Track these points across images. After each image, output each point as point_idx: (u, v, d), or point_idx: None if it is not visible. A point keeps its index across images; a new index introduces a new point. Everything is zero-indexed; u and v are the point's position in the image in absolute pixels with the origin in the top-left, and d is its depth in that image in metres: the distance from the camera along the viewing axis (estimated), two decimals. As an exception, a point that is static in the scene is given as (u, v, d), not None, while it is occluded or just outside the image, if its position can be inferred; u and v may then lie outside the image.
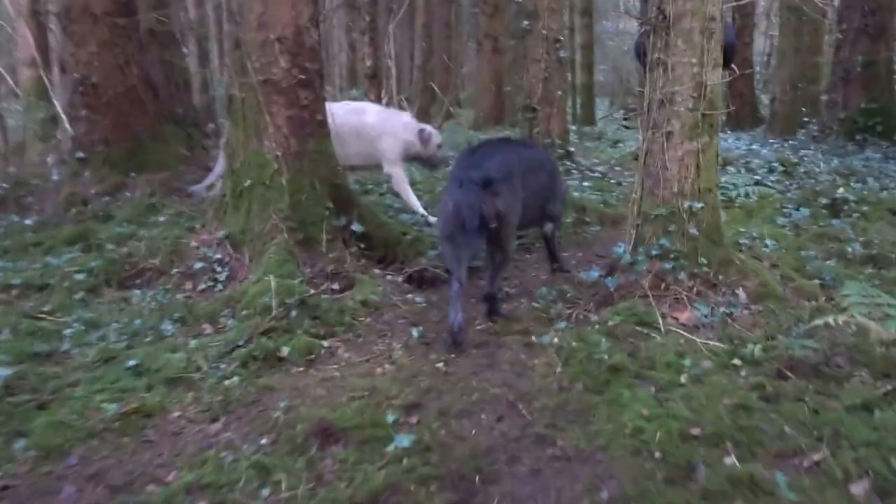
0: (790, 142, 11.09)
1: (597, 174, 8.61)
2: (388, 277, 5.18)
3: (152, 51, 8.64)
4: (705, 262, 4.42)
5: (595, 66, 22.10)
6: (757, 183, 7.79)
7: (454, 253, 4.35)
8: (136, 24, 7.91)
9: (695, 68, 4.32)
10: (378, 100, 15.86)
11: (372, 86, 15.75)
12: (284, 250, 4.82)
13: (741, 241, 5.40)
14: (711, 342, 3.89)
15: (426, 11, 22.15)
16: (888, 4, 10.88)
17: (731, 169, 8.41)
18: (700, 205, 4.41)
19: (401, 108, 22.95)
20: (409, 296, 4.95)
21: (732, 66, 8.45)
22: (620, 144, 13.09)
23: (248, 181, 5.10)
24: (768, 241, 5.49)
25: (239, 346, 3.96)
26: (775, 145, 10.56)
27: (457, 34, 29.23)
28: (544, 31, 8.36)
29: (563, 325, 4.12)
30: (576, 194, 7.34)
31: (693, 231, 4.41)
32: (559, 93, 8.52)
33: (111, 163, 7.54)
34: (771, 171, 8.35)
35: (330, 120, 5.94)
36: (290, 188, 5.04)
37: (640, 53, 7.94)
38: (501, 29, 18.55)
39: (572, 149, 8.84)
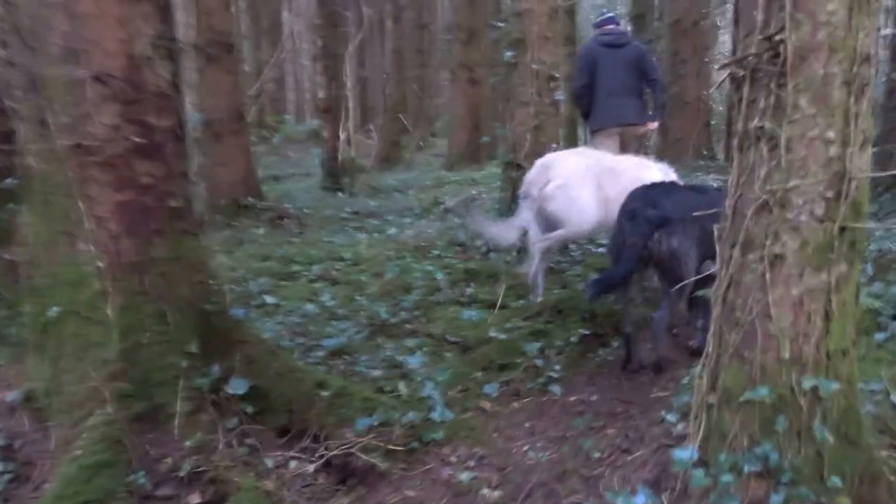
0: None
1: (603, 251, 6.64)
2: (293, 466, 3.15)
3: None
4: (838, 481, 2.46)
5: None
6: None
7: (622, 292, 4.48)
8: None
9: (832, 148, 2.39)
10: (335, 136, 13.98)
11: (326, 120, 13.76)
12: (104, 440, 2.80)
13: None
14: None
15: (396, 37, 20.56)
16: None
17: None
18: (834, 385, 2.46)
19: (368, 139, 21.55)
20: (326, 508, 2.94)
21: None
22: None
23: (55, 308, 3.07)
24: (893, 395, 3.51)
25: None
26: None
27: (430, 62, 27.85)
28: (535, 66, 6.44)
29: None
30: (579, 287, 5.40)
31: (821, 433, 2.45)
32: (554, 146, 6.56)
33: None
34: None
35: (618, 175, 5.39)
36: (123, 323, 3.02)
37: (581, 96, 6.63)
38: (478, 58, 16.69)
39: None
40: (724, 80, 2.83)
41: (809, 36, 2.37)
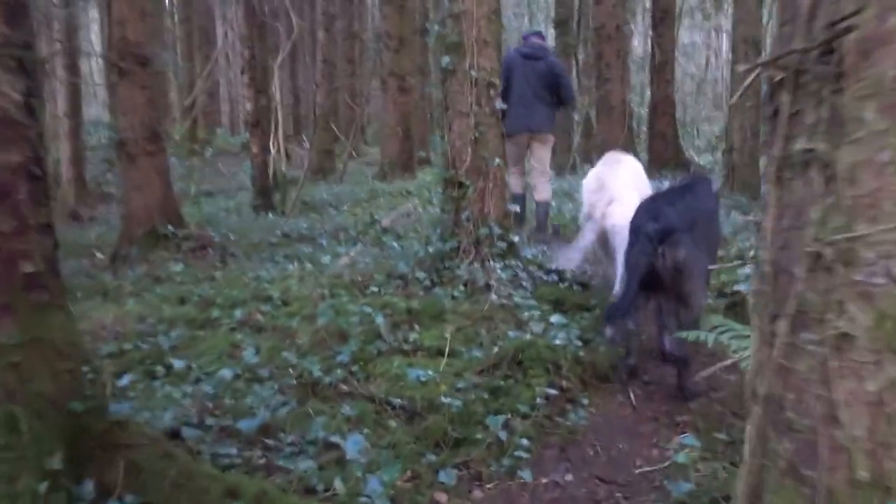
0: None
1: (554, 278, 5.99)
2: None
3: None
4: None
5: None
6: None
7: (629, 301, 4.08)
8: None
9: (911, 179, 1.75)
10: (265, 150, 13.17)
11: (255, 134, 12.94)
12: None
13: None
14: None
15: (327, 46, 20.03)
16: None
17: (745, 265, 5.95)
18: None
19: (301, 149, 20.97)
20: None
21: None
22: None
23: None
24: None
25: None
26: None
27: (360, 71, 27.49)
28: (473, 73, 5.75)
29: None
30: (536, 328, 4.72)
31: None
32: (497, 160, 5.89)
33: None
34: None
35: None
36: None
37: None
38: (408, 66, 16.22)
39: (516, 238, 6.20)
40: (749, 85, 2.16)
41: (876, 23, 1.71)
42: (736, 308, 5.50)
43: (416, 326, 4.90)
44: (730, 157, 10.34)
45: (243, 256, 7.48)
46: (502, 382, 4.04)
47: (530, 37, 7.40)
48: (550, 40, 15.30)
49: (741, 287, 5.51)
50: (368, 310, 4.96)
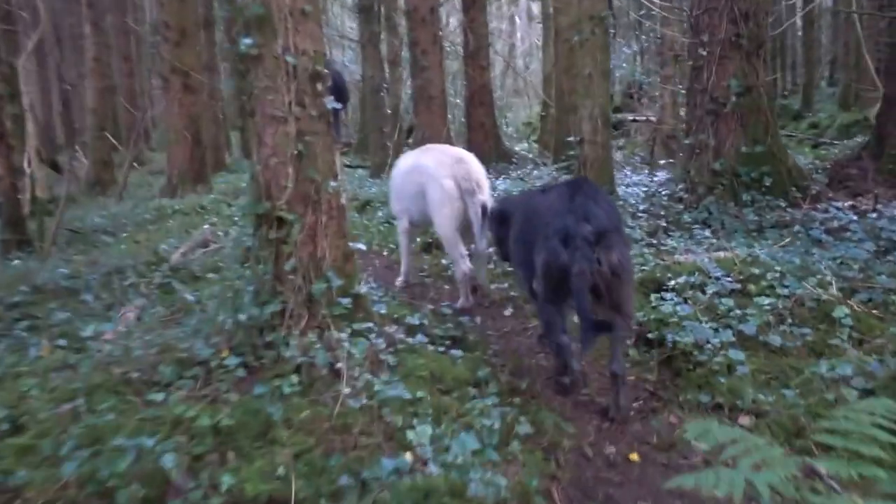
0: (649, 208, 7.89)
1: (421, 339, 4.32)
2: None
3: None
4: None
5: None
6: (747, 344, 4.06)
7: (556, 318, 3.89)
8: None
9: None
10: (11, 171, 10.64)
11: (-2, 149, 10.38)
12: None
13: None
14: None
15: (96, 43, 17.52)
16: (765, 6, 7.66)
17: (668, 298, 4.57)
18: None
19: (75, 160, 18.32)
20: None
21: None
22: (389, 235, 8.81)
23: None
24: None
25: None
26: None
27: (139, 69, 25.03)
28: (289, 59, 3.96)
29: None
30: (426, 455, 3.03)
31: None
32: (332, 184, 4.13)
33: None
34: (736, 303, 4.53)
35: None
36: None
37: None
38: (192, 61, 13.94)
39: (363, 290, 4.46)
40: None
41: None
42: (673, 364, 4.08)
43: (231, 457, 3.09)
44: (581, 150, 9.00)
45: (-34, 333, 5.18)
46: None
47: None
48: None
49: (684, 339, 4.08)
50: (149, 440, 3.08)
